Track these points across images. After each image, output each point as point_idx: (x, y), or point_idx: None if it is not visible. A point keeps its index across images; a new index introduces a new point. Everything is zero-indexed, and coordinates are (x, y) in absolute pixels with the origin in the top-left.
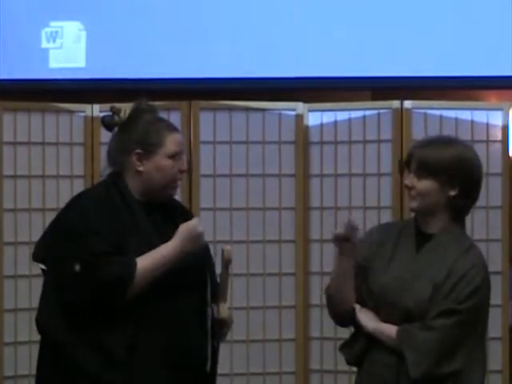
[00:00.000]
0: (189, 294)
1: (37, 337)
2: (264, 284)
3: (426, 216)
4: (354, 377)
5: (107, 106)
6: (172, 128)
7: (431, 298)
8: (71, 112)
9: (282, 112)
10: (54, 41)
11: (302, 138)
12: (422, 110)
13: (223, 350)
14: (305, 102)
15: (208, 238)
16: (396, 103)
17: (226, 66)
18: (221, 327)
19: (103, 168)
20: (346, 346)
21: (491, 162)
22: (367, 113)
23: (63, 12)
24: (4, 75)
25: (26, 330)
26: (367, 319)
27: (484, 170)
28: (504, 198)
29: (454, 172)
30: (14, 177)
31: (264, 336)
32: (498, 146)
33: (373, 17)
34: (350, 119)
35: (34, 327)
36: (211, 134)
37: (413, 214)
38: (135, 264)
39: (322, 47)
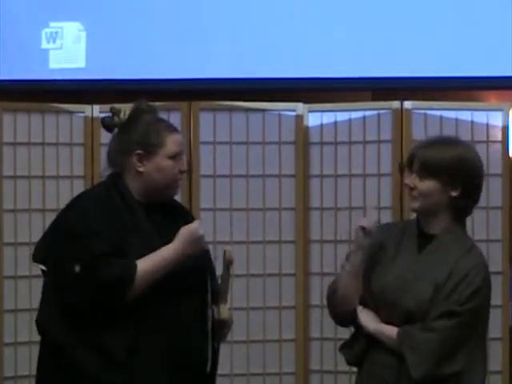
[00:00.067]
0: (189, 296)
1: (37, 337)
2: (264, 284)
3: (427, 216)
4: (354, 377)
5: (107, 106)
6: (172, 128)
7: (432, 299)
8: (71, 112)
9: (282, 112)
10: (54, 41)
11: (302, 138)
12: (422, 111)
13: (223, 350)
14: (305, 102)
15: (208, 238)
16: (396, 104)
17: (226, 66)
18: (221, 328)
19: (103, 169)
20: (346, 347)
21: (491, 163)
22: (367, 113)
23: (63, 12)
24: (4, 76)
25: (26, 331)
26: (368, 320)
27: (484, 170)
28: (504, 198)
29: (455, 172)
30: (14, 177)
31: (264, 336)
32: (498, 146)
33: (373, 17)
34: (350, 120)
35: (34, 328)
36: (211, 135)
37: (413, 215)
38: (135, 266)
39: (322, 48)
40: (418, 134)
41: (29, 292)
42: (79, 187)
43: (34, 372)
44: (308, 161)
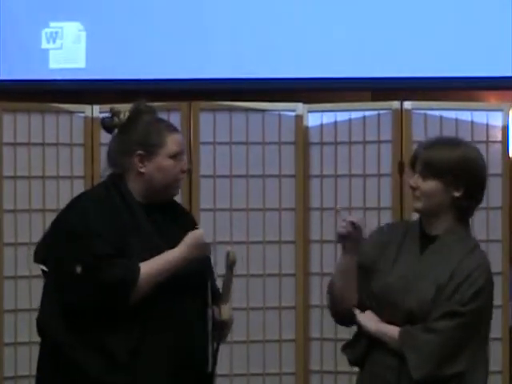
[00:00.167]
0: (192, 296)
1: (37, 337)
2: (264, 285)
3: (430, 217)
4: (354, 377)
5: (107, 106)
6: (172, 128)
7: (434, 299)
8: (71, 113)
9: (282, 113)
10: (54, 41)
11: (302, 138)
12: (422, 111)
13: (223, 350)
14: (305, 102)
15: (208, 238)
16: (396, 104)
17: (226, 66)
18: (222, 328)
19: (103, 169)
20: (348, 347)
21: (491, 163)
22: (367, 113)
23: (63, 12)
24: (4, 76)
25: (26, 331)
26: (368, 320)
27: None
28: (504, 198)
29: (458, 173)
30: (14, 177)
31: (264, 337)
32: (498, 146)
33: (373, 17)
34: (349, 120)
35: (34, 328)
36: (211, 135)
37: (413, 215)
38: (138, 268)
39: (322, 48)
40: (418, 134)
41: (29, 292)
42: (79, 187)
43: (34, 372)
44: (308, 161)
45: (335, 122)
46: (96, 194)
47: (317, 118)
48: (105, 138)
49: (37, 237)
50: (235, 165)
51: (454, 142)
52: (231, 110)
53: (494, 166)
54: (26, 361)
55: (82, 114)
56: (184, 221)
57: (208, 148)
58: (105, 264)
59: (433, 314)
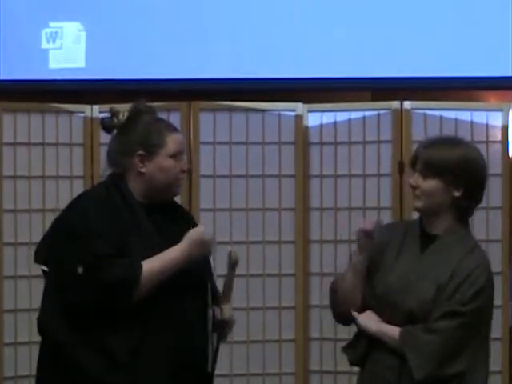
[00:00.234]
0: (192, 295)
1: (37, 337)
2: (264, 285)
3: (430, 216)
4: (353, 377)
5: (107, 106)
6: (172, 128)
7: (434, 299)
8: (71, 113)
9: (282, 113)
10: (54, 41)
11: (302, 138)
12: (422, 111)
13: (223, 350)
14: (304, 102)
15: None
16: (396, 104)
17: (226, 66)
18: (223, 328)
19: (103, 169)
20: (349, 347)
21: (491, 163)
22: (367, 113)
23: (63, 12)
24: (4, 76)
25: (26, 331)
26: (368, 320)
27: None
28: (504, 198)
29: (459, 172)
30: (14, 177)
31: (264, 337)
32: (498, 146)
33: (373, 17)
34: (349, 120)
35: (34, 328)
36: (211, 135)
37: (413, 215)
38: (140, 267)
39: (321, 48)
40: (418, 134)
41: (28, 292)
42: (79, 187)
43: (33, 372)
44: (308, 161)
45: (335, 122)
46: (96, 194)
47: (317, 117)
48: (104, 137)
49: (36, 237)
50: (235, 165)
51: (454, 142)
52: (231, 109)
53: (494, 166)
54: (26, 361)
55: (82, 114)
56: (184, 221)
57: (208, 148)
58: (105, 264)
59: (433, 314)
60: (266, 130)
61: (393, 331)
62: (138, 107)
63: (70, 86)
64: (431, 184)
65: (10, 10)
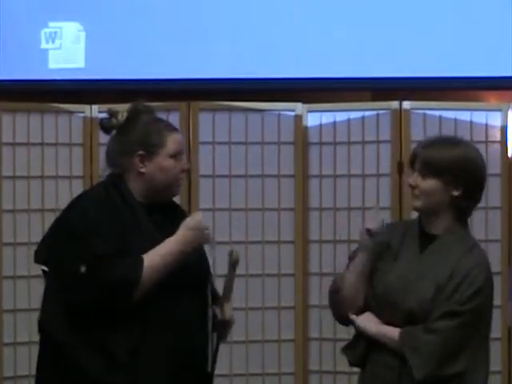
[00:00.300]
0: (191, 295)
1: (36, 337)
2: (263, 285)
3: (429, 216)
4: (353, 378)
5: (106, 106)
6: (171, 128)
7: (434, 299)
8: (70, 113)
9: (281, 113)
10: (54, 41)
11: (301, 138)
12: (421, 111)
13: (223, 350)
14: (304, 102)
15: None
16: (395, 104)
17: (226, 66)
18: (223, 327)
19: (103, 169)
20: (348, 348)
21: (490, 163)
22: (366, 113)
23: (62, 12)
24: (3, 76)
25: (26, 331)
26: (367, 322)
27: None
28: (503, 198)
29: (458, 172)
30: (13, 177)
31: (263, 337)
32: (497, 146)
33: (373, 17)
34: (349, 120)
35: (34, 328)
36: (210, 135)
37: (412, 215)
38: (142, 265)
39: (321, 48)
40: (417, 134)
41: (28, 292)
42: (78, 187)
43: (33, 372)
44: (307, 161)
45: (334, 122)
46: (96, 194)
47: (316, 117)
48: (104, 137)
49: (36, 237)
50: (234, 165)
51: (453, 141)
52: (230, 109)
53: (493, 166)
54: (26, 361)
55: (82, 114)
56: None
57: (207, 148)
58: (105, 264)
59: (433, 314)
60: (265, 130)
61: (392, 332)
62: (136, 107)
63: (70, 86)
64: (430, 184)
65: (9, 10)
